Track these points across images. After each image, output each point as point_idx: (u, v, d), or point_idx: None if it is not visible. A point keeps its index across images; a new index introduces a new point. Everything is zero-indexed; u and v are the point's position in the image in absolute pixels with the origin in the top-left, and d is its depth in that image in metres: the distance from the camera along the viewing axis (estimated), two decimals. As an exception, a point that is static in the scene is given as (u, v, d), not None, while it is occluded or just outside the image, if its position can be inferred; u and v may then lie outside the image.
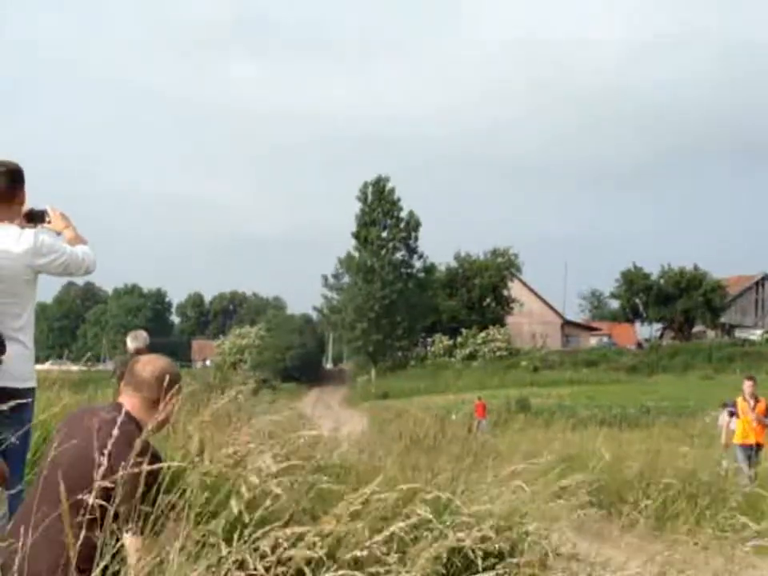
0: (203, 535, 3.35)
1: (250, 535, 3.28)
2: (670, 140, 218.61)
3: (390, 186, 76.99)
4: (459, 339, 76.71)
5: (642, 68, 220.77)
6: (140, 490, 3.30)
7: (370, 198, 76.74)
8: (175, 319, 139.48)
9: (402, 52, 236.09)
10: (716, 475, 12.63)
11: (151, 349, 11.18)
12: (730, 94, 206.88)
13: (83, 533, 3.27)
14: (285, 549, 3.18)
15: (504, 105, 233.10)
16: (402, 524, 3.57)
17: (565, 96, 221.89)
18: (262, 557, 3.14)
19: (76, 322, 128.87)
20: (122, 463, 3.41)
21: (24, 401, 4.12)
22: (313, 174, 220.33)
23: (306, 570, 3.20)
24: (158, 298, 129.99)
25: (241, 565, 3.13)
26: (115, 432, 3.54)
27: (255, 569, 3.13)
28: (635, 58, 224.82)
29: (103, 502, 3.30)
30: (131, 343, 11.95)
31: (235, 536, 3.29)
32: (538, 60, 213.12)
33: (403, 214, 77.10)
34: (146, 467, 3.34)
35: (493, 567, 3.99)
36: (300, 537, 3.26)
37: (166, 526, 3.46)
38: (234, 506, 3.46)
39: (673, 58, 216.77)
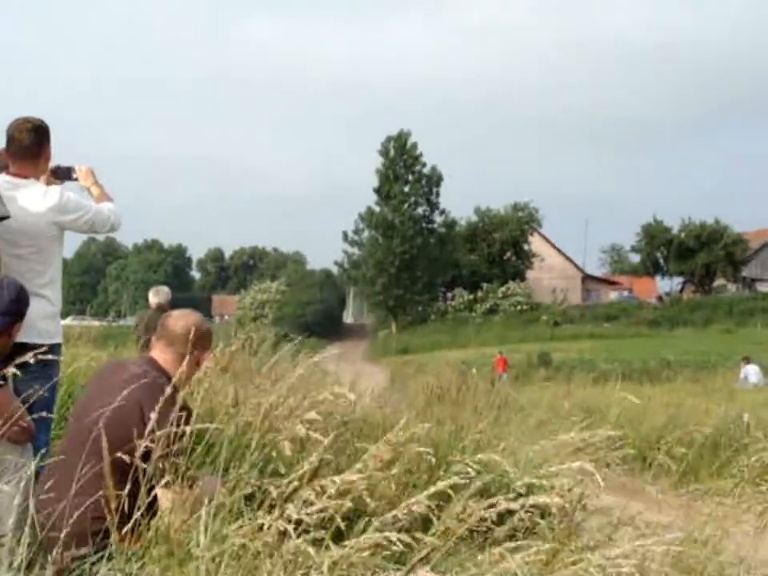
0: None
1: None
2: (690, 96, 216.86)
3: (411, 140, 76.36)
4: (480, 294, 76.44)
5: (668, 21, 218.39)
6: (173, 443, 3.30)
7: (391, 152, 75.97)
8: (195, 275, 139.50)
9: (429, 4, 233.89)
10: (738, 428, 12.65)
11: (173, 304, 11.22)
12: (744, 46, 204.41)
13: (117, 486, 3.29)
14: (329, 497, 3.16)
15: (530, 63, 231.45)
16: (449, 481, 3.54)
17: (588, 53, 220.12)
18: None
19: (96, 277, 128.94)
20: (155, 417, 3.42)
21: (49, 356, 4.12)
22: (335, 130, 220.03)
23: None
24: (178, 253, 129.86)
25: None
26: (148, 386, 3.56)
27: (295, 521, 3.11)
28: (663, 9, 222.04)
29: (137, 456, 3.32)
30: (153, 298, 12.01)
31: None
32: (566, 18, 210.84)
33: (425, 170, 76.61)
34: (178, 420, 3.35)
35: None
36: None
37: (202, 479, 3.47)
38: (287, 448, 3.44)
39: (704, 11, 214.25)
